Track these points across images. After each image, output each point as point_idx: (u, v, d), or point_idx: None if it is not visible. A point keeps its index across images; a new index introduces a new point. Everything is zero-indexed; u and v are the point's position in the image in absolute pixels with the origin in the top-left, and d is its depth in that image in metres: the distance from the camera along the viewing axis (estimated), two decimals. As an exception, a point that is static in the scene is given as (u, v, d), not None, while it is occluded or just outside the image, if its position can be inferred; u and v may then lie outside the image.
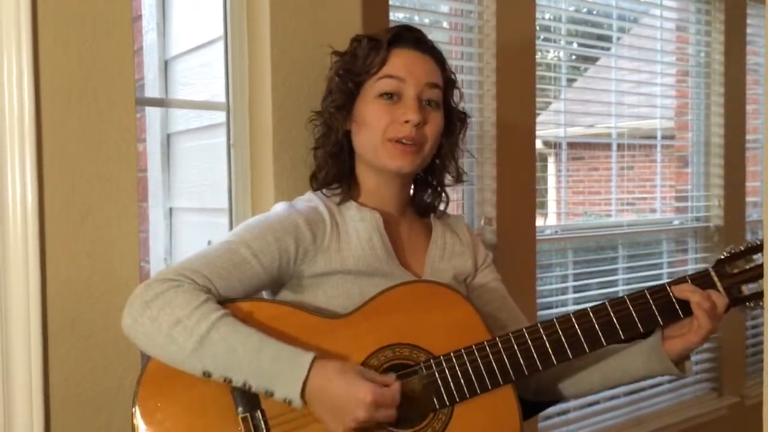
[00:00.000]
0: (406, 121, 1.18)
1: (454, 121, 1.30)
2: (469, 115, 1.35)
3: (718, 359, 2.97)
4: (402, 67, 1.21)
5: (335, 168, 1.26)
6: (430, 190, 1.34)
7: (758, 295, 1.19)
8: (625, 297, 1.17)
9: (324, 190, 1.27)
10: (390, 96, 1.20)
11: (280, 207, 1.22)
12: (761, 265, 1.18)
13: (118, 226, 1.30)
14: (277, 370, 1.01)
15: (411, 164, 1.21)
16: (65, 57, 1.24)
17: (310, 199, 1.24)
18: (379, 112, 1.20)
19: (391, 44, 1.22)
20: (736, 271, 1.19)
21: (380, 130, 1.20)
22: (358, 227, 1.21)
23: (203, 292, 1.05)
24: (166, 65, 1.93)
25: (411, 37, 1.24)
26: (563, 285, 2.54)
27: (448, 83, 1.28)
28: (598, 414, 2.62)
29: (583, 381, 1.27)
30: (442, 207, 1.36)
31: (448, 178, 1.33)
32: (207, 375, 1.02)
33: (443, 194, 1.34)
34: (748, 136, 3.07)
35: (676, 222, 2.97)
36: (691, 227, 2.96)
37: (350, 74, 1.23)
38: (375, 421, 1.03)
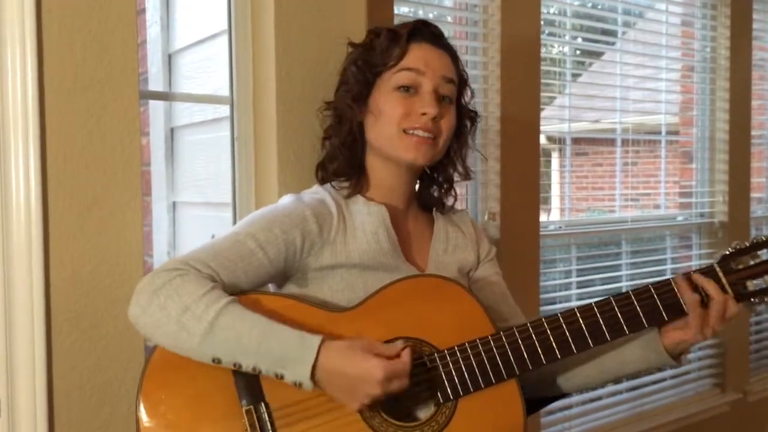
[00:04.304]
0: (423, 114, 1.19)
1: (465, 119, 1.31)
2: (479, 115, 1.35)
3: (721, 355, 2.96)
4: (420, 59, 1.22)
5: (347, 159, 1.26)
6: (435, 186, 1.34)
7: (763, 292, 1.18)
8: (630, 292, 1.16)
9: (332, 183, 1.27)
10: (407, 89, 1.21)
11: (287, 199, 1.22)
12: (767, 261, 1.18)
13: (122, 219, 1.30)
14: (287, 353, 1.01)
15: (425, 156, 1.22)
16: (69, 50, 1.24)
17: (317, 192, 1.25)
18: (396, 103, 1.21)
19: (410, 38, 1.23)
20: (741, 267, 1.18)
21: (396, 121, 1.20)
22: (365, 221, 1.21)
23: (209, 280, 1.06)
24: (169, 59, 1.93)
25: (429, 32, 1.25)
26: (566, 280, 2.54)
27: (461, 81, 1.30)
28: (600, 409, 2.62)
29: (581, 374, 1.26)
30: (450, 203, 1.36)
31: (455, 176, 1.33)
32: (217, 361, 1.02)
33: (451, 191, 1.34)
34: (754, 132, 3.06)
35: (680, 218, 2.96)
36: (696, 223, 2.95)
37: (368, 66, 1.24)
38: (390, 393, 1.03)
